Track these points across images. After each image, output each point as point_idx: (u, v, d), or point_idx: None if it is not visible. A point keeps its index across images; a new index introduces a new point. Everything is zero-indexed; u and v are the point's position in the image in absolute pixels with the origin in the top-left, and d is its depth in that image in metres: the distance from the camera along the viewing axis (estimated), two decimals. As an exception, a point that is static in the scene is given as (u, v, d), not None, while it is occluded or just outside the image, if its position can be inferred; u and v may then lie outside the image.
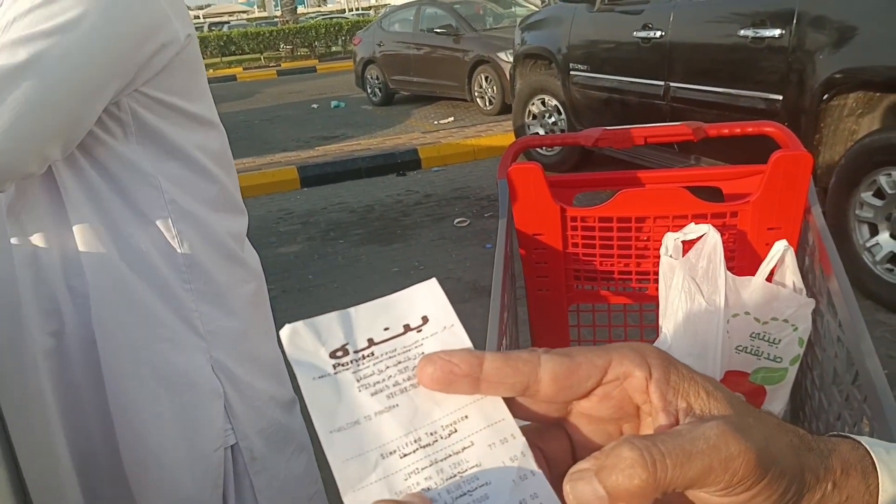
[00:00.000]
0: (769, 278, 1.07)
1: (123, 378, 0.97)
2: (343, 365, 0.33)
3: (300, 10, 30.92)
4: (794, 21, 3.17)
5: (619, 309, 1.37)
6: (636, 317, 1.39)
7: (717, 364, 1.10)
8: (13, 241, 0.92)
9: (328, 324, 0.34)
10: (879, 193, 2.89)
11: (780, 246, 1.06)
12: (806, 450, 0.32)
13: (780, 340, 1.10)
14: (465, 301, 3.51)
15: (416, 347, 0.34)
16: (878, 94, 3.00)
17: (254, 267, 1.12)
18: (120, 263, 0.93)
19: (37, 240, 0.92)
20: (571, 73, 5.05)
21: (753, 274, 1.14)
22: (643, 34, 4.21)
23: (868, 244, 2.94)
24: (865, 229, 2.96)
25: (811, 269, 1.16)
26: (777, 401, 1.19)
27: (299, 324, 0.33)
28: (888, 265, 2.88)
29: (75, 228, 0.91)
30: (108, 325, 0.94)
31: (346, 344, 0.33)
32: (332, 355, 0.33)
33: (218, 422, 1.01)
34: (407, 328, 0.35)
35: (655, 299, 1.29)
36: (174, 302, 0.97)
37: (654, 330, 1.37)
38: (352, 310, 0.35)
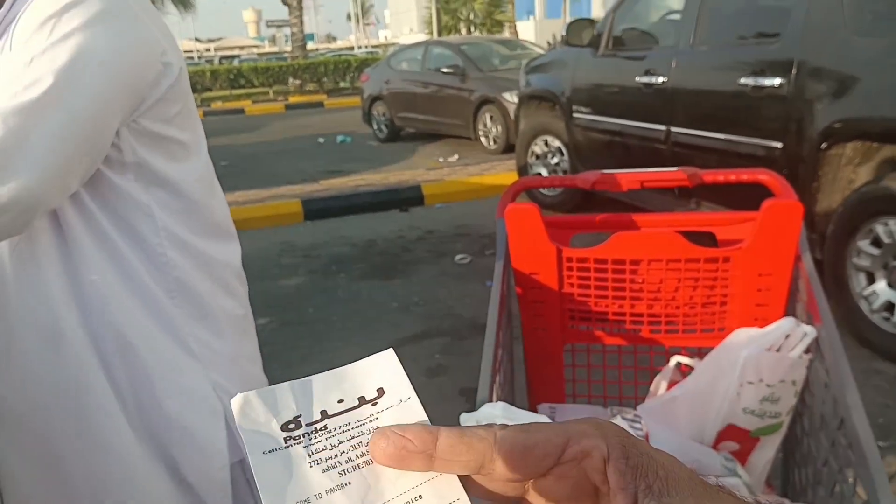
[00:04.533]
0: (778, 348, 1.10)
1: (131, 397, 0.98)
2: (295, 439, 0.32)
3: (310, 46, 31.43)
4: (794, 71, 3.23)
5: (614, 350, 1.38)
6: (631, 358, 1.41)
7: (717, 421, 1.13)
8: (13, 269, 0.94)
9: (281, 394, 0.33)
10: (877, 242, 2.92)
11: (789, 324, 1.10)
12: None
13: (780, 398, 1.12)
14: (464, 338, 3.52)
15: (370, 421, 0.33)
16: (875, 144, 3.04)
17: (244, 294, 1.15)
18: (119, 288, 0.95)
19: (36, 267, 0.94)
20: (574, 115, 5.13)
21: (745, 317, 1.17)
22: (645, 79, 4.28)
23: (865, 292, 2.96)
24: (862, 277, 2.98)
25: (801, 316, 1.18)
26: (768, 447, 1.20)
27: (251, 393, 0.32)
28: (885, 313, 2.90)
29: (76, 256, 0.93)
30: (108, 349, 0.96)
31: (299, 416, 0.32)
32: (284, 428, 0.32)
33: (220, 441, 1.02)
34: (362, 401, 0.34)
35: (649, 341, 1.31)
36: (169, 325, 1.00)
37: (648, 372, 1.39)
38: (306, 380, 0.34)
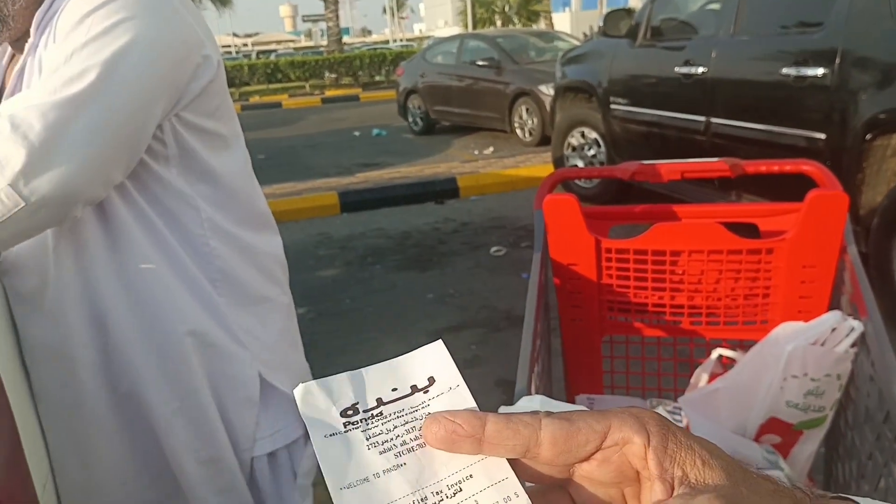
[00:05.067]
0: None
1: (176, 384, 1.01)
2: (353, 424, 0.34)
3: (345, 40, 31.60)
4: (838, 60, 3.16)
5: (653, 342, 1.38)
6: (670, 350, 1.40)
7: (759, 414, 1.12)
8: (64, 260, 0.96)
9: (339, 384, 0.35)
10: (923, 234, 2.85)
11: (835, 318, 1.08)
12: None
13: (825, 392, 1.10)
14: (500, 330, 3.52)
15: (422, 408, 0.35)
16: (922, 135, 2.97)
17: (285, 282, 1.17)
18: (166, 277, 0.98)
19: (83, 258, 0.96)
20: (611, 106, 5.08)
21: (788, 310, 1.15)
22: (685, 70, 4.22)
23: (911, 286, 2.89)
24: (909, 271, 2.91)
25: (846, 308, 1.16)
26: (811, 441, 1.19)
27: (312, 383, 0.35)
28: (933, 307, 2.83)
29: (123, 246, 0.96)
30: (155, 337, 0.99)
31: (357, 403, 0.35)
32: (343, 414, 0.34)
33: (249, 428, 1.05)
34: (414, 389, 0.36)
35: (689, 333, 1.30)
36: (217, 314, 1.02)
37: (688, 364, 1.38)
38: (362, 370, 0.36)
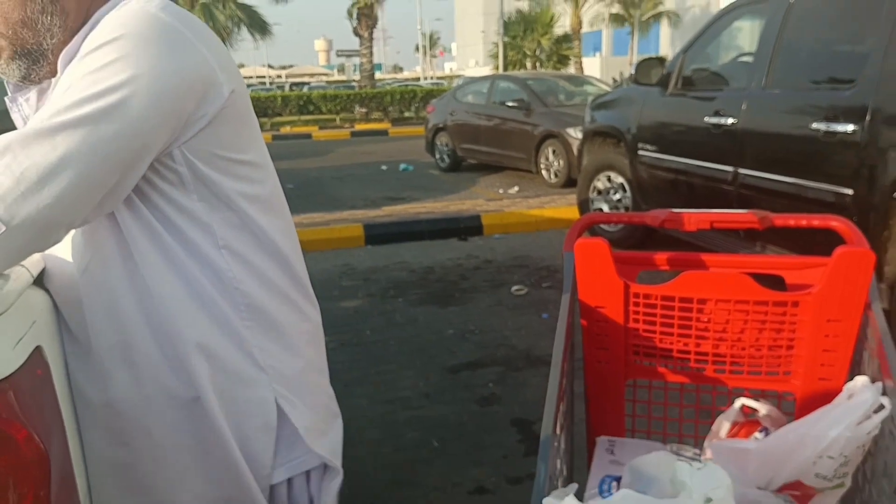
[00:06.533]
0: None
1: (192, 413, 1.03)
2: None
3: (377, 75, 32.19)
4: (868, 117, 3.18)
5: (676, 387, 1.39)
6: (692, 396, 1.41)
7: (785, 478, 1.12)
8: (86, 289, 0.99)
9: None
10: (951, 295, 2.83)
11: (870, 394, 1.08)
12: None
13: (850, 461, 1.10)
14: (518, 369, 3.52)
15: None
16: (951, 195, 2.97)
17: (311, 307, 1.17)
18: (187, 301, 1.00)
19: (108, 286, 0.99)
20: (639, 152, 5.12)
21: (811, 363, 1.17)
22: (714, 120, 4.27)
23: (938, 347, 2.86)
24: (936, 331, 2.89)
25: (869, 364, 1.17)
26: (831, 497, 1.19)
27: None
28: (959, 370, 2.80)
29: (144, 273, 0.98)
30: (176, 362, 1.00)
31: None
32: None
33: (267, 456, 1.06)
34: None
35: (712, 380, 1.32)
36: (236, 338, 1.03)
37: (710, 412, 1.39)
38: None
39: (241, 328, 1.03)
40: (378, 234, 6.37)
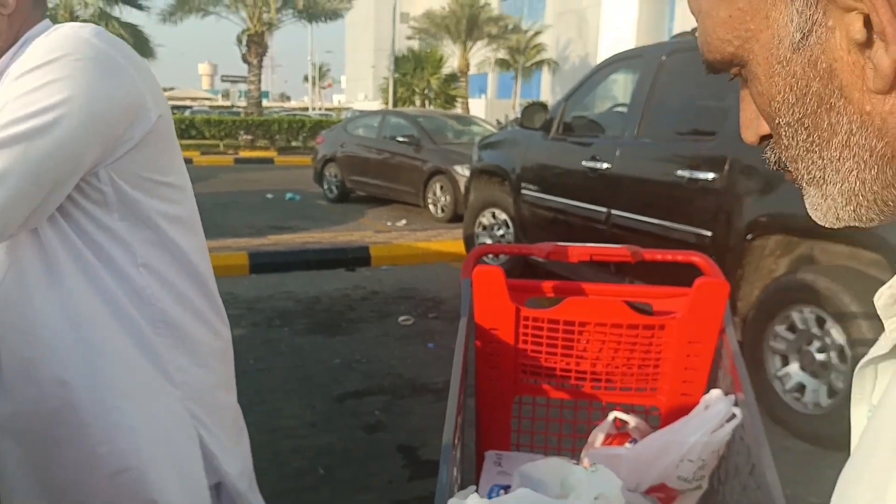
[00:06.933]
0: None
1: (103, 423, 1.04)
2: None
3: (264, 103, 31.73)
4: (727, 167, 3.53)
5: (557, 404, 1.52)
6: (571, 413, 1.54)
7: (652, 480, 1.27)
8: (4, 303, 0.99)
9: None
10: (792, 328, 3.17)
11: (724, 405, 1.25)
12: None
13: (707, 464, 1.26)
14: (404, 398, 3.59)
15: None
16: (795, 239, 3.33)
17: (223, 326, 1.21)
18: (105, 318, 1.01)
19: (23, 301, 0.99)
20: (522, 191, 5.38)
21: (674, 379, 1.32)
22: (591, 164, 4.57)
23: (779, 373, 3.19)
24: (778, 360, 3.22)
25: (723, 380, 1.34)
26: (690, 498, 1.34)
27: None
28: (796, 394, 3.13)
29: (62, 288, 0.99)
30: (90, 374, 1.01)
31: None
32: None
33: (197, 464, 1.09)
34: None
35: (589, 396, 1.45)
36: (151, 353, 1.06)
37: (586, 426, 1.52)
38: None
39: (157, 344, 1.06)
40: (263, 263, 6.27)
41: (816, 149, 0.42)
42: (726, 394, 1.29)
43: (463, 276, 1.39)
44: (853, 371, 0.48)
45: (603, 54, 25.39)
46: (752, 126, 0.48)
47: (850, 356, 2.86)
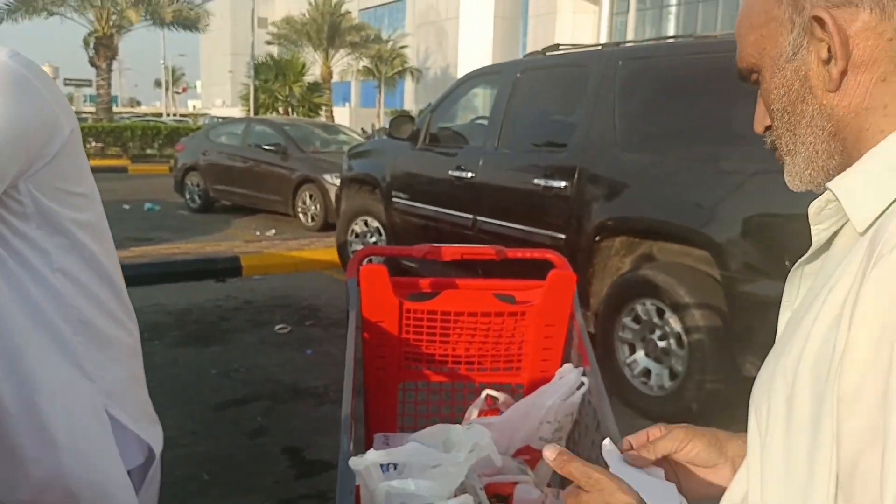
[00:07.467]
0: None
1: (26, 420, 1.13)
2: None
3: (113, 109, 29.98)
4: (576, 176, 3.91)
5: (437, 388, 1.73)
6: (449, 395, 1.76)
7: (519, 443, 1.50)
8: None
9: None
10: (637, 319, 3.58)
11: (574, 375, 1.50)
12: None
13: (563, 426, 1.51)
14: (285, 402, 3.68)
15: None
16: (637, 240, 3.76)
17: (132, 324, 1.30)
18: (24, 319, 1.10)
19: None
20: (393, 199, 5.59)
21: (535, 358, 1.56)
22: (457, 173, 4.86)
23: (628, 361, 3.59)
24: (626, 348, 3.62)
25: (574, 357, 1.60)
26: (551, 460, 1.59)
27: None
28: (643, 378, 3.54)
29: None
30: (13, 374, 1.09)
31: None
32: None
33: (113, 454, 1.19)
34: None
35: (465, 378, 1.67)
36: (69, 351, 1.15)
37: (462, 407, 1.74)
38: None
39: (74, 342, 1.15)
40: (129, 276, 5.83)
41: (792, 128, 0.66)
42: (576, 367, 1.55)
43: (348, 277, 1.57)
44: (690, 355, 0.70)
45: (462, 66, 26.21)
46: (760, 119, 0.72)
47: (687, 342, 3.28)
